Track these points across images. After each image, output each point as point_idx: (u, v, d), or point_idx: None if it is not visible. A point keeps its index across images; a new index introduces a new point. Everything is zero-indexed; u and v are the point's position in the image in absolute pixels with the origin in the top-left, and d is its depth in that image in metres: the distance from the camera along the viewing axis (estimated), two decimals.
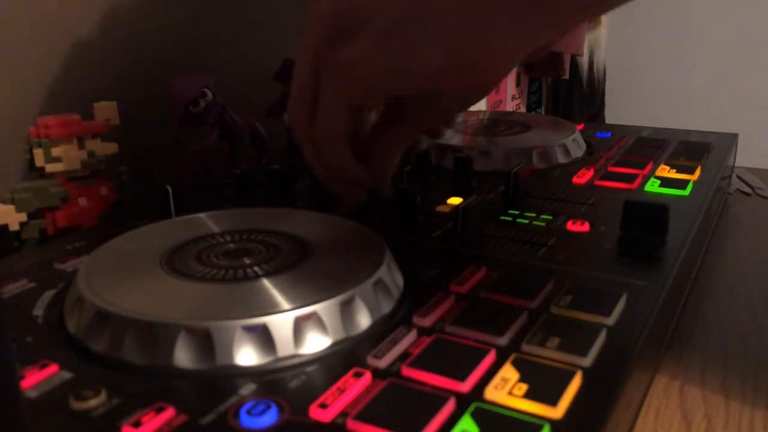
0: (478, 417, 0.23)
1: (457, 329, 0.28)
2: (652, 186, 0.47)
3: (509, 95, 1.51)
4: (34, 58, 0.49)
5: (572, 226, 0.40)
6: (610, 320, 0.29)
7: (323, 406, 0.24)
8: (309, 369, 0.26)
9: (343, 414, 0.23)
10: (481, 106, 1.34)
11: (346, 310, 0.28)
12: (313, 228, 0.36)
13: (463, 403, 0.24)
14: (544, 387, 0.24)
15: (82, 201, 0.44)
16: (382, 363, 0.26)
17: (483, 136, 0.57)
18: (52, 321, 0.30)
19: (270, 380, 0.26)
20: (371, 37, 0.31)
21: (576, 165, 0.52)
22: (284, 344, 0.27)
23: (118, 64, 0.54)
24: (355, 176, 0.37)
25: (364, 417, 0.23)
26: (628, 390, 0.27)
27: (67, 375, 0.26)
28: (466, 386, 0.25)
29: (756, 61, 1.78)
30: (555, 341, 0.27)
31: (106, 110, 0.46)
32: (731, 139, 0.60)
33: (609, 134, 0.61)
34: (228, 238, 0.35)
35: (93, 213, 0.45)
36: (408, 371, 0.26)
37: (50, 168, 0.44)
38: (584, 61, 1.66)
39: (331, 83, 0.33)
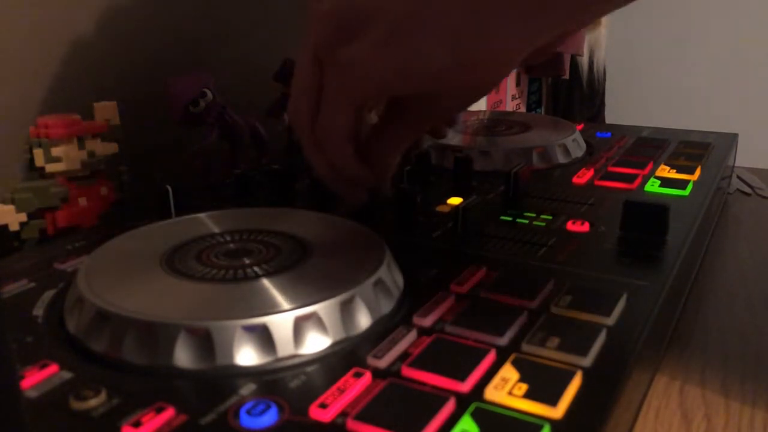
0: (478, 417, 0.23)
1: (457, 329, 0.28)
2: (652, 186, 0.47)
3: (509, 95, 1.51)
4: (34, 58, 0.49)
5: (572, 226, 0.40)
6: (610, 320, 0.29)
7: (323, 406, 0.24)
8: (309, 369, 0.26)
9: (343, 414, 0.23)
10: (481, 106, 1.34)
11: (346, 310, 0.28)
12: (313, 228, 0.36)
13: (463, 403, 0.24)
14: (544, 387, 0.24)
15: (82, 201, 0.44)
16: (382, 363, 0.26)
17: (483, 136, 0.57)
18: (52, 321, 0.30)
19: (270, 380, 0.26)
20: (373, 37, 0.31)
21: (576, 165, 0.52)
22: (284, 344, 0.27)
23: (118, 64, 0.54)
24: (357, 176, 0.37)
25: (364, 417, 0.23)
26: (628, 390, 0.27)
27: (67, 375, 0.26)
28: (466, 386, 0.25)
29: (756, 61, 1.78)
30: (555, 341, 0.27)
31: (106, 110, 0.46)
32: (731, 139, 0.60)
33: (609, 134, 0.61)
34: (228, 238, 0.35)
35: (93, 213, 0.45)
36: (408, 371, 0.26)
37: (50, 168, 0.44)
38: (584, 61, 1.66)
39: (333, 83, 0.33)
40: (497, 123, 0.61)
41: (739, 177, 0.63)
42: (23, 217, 0.42)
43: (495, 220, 0.41)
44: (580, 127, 0.61)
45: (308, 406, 0.24)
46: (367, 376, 0.25)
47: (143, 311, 0.27)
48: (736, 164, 0.63)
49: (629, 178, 0.48)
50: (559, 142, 0.53)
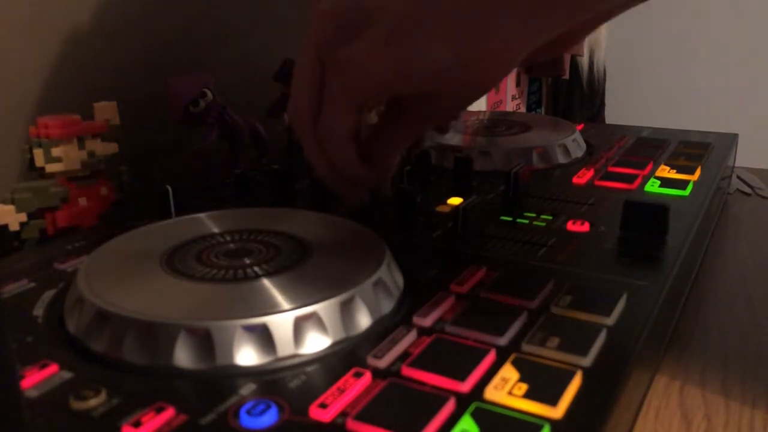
0: (478, 417, 0.23)
1: (457, 329, 0.28)
2: (652, 186, 0.47)
3: (509, 95, 1.51)
4: (34, 58, 0.49)
5: (572, 226, 0.40)
6: (610, 320, 0.29)
7: (323, 406, 0.24)
8: (309, 369, 0.26)
9: (343, 414, 0.23)
10: (481, 106, 1.34)
11: (346, 310, 0.28)
12: (313, 228, 0.36)
13: (463, 403, 0.24)
14: (544, 387, 0.24)
15: (82, 201, 0.44)
16: (382, 363, 0.26)
17: (483, 136, 0.57)
18: (52, 321, 0.30)
19: (270, 380, 0.26)
20: (373, 37, 0.31)
21: (576, 165, 0.52)
22: (284, 344, 0.27)
23: (119, 64, 0.54)
24: (358, 176, 0.37)
25: (364, 417, 0.23)
26: (628, 390, 0.27)
27: (67, 375, 0.26)
28: (466, 386, 0.25)
29: (756, 61, 1.78)
30: (555, 341, 0.27)
31: (106, 110, 0.46)
32: (731, 139, 0.60)
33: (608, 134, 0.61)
34: (228, 238, 0.35)
35: (93, 213, 0.45)
36: (408, 371, 0.26)
37: (50, 168, 0.44)
38: (584, 61, 1.66)
39: (334, 83, 0.33)
40: (497, 123, 0.61)
41: (739, 177, 0.63)
42: (23, 217, 0.42)
43: (495, 220, 0.41)
44: (580, 127, 0.62)
45: (308, 406, 0.24)
46: (367, 376, 0.25)
47: (143, 311, 0.27)
48: (736, 164, 0.63)
49: (629, 178, 0.48)
50: (559, 142, 0.53)
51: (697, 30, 1.82)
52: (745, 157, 0.65)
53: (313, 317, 0.27)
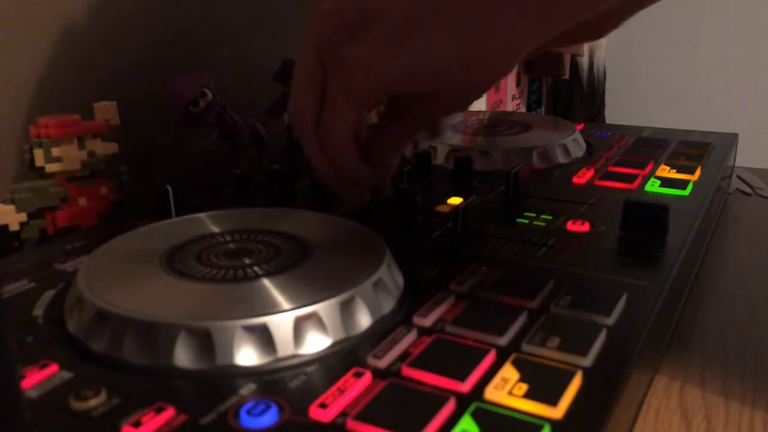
0: (478, 417, 0.23)
1: (457, 329, 0.28)
2: (652, 186, 0.47)
3: (509, 95, 1.51)
4: (34, 58, 0.49)
5: (572, 226, 0.40)
6: (610, 320, 0.29)
7: (323, 406, 0.24)
8: (309, 369, 0.26)
9: (343, 414, 0.23)
10: (481, 106, 1.34)
11: (346, 310, 0.28)
12: (313, 228, 0.36)
13: (463, 403, 0.24)
14: (544, 387, 0.24)
15: (82, 201, 0.44)
16: (382, 363, 0.26)
17: (483, 136, 0.57)
18: (52, 321, 0.30)
19: (270, 380, 0.26)
20: (374, 37, 0.31)
21: (576, 165, 0.52)
22: (284, 344, 0.27)
23: (118, 64, 0.54)
24: (359, 176, 0.37)
25: (364, 417, 0.23)
26: (628, 390, 0.27)
27: (67, 375, 0.26)
28: (466, 386, 0.25)
29: (756, 61, 1.78)
30: (555, 341, 0.27)
31: (106, 110, 0.46)
32: (731, 139, 0.60)
33: (609, 134, 0.61)
34: (228, 238, 0.35)
35: (93, 213, 0.45)
36: (408, 371, 0.26)
37: (50, 168, 0.44)
38: (584, 61, 1.66)
39: (335, 83, 0.33)
40: (497, 123, 0.61)
41: (739, 177, 0.63)
42: (23, 217, 0.42)
43: (495, 220, 0.41)
44: (580, 127, 0.62)
45: (308, 406, 0.24)
46: (367, 376, 0.25)
47: (143, 311, 0.27)
48: (736, 164, 0.63)
49: (629, 178, 0.48)
50: (559, 142, 0.53)
51: (697, 30, 1.82)
52: (745, 157, 0.65)
53: (313, 317, 0.27)
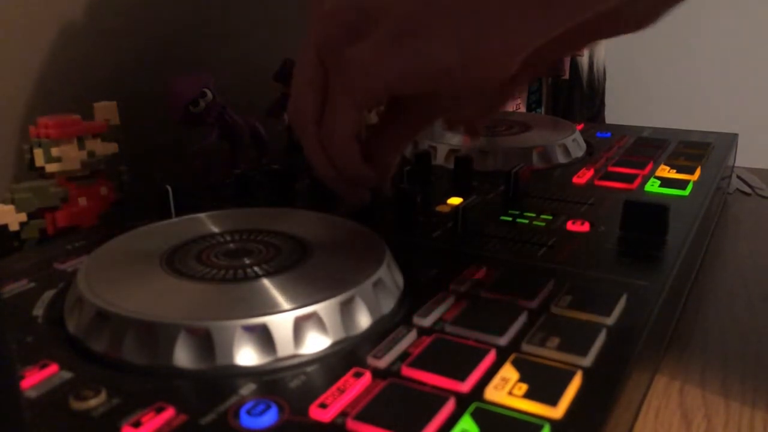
0: (478, 417, 0.23)
1: (457, 329, 0.28)
2: (652, 186, 0.47)
3: None
4: (34, 58, 0.49)
5: (572, 226, 0.40)
6: (610, 320, 0.29)
7: (323, 406, 0.24)
8: (309, 369, 0.26)
9: (343, 414, 0.23)
10: None
11: (346, 310, 0.28)
12: (313, 228, 0.36)
13: (463, 403, 0.24)
14: (544, 387, 0.24)
15: (82, 201, 0.44)
16: (382, 363, 0.26)
17: (483, 136, 0.57)
18: (52, 321, 0.30)
19: (270, 380, 0.26)
20: (377, 37, 0.31)
21: (576, 165, 0.52)
22: (284, 344, 0.27)
23: (118, 64, 0.54)
24: (360, 176, 0.37)
25: (364, 417, 0.23)
26: (628, 390, 0.27)
27: (67, 375, 0.26)
28: (466, 386, 0.25)
29: (756, 61, 1.78)
30: (555, 341, 0.27)
31: (106, 110, 0.46)
32: (731, 139, 0.60)
33: (609, 134, 0.61)
34: (228, 238, 0.35)
35: (93, 213, 0.45)
36: (408, 371, 0.26)
37: (50, 168, 0.44)
38: (584, 61, 1.66)
39: (337, 83, 0.33)
40: (497, 123, 0.61)
41: (739, 177, 0.63)
42: (23, 217, 0.42)
43: (495, 220, 0.41)
44: (580, 127, 0.62)
45: (308, 406, 0.24)
46: (367, 376, 0.25)
47: (143, 311, 0.27)
48: (736, 164, 0.63)
49: (629, 178, 0.48)
50: (559, 142, 0.53)
51: (697, 30, 1.81)
52: (745, 157, 0.65)
53: (313, 317, 0.27)
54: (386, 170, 0.39)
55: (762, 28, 1.76)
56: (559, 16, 0.29)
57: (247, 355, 0.26)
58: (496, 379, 0.25)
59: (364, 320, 0.29)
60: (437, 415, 0.23)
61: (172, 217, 0.40)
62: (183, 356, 0.26)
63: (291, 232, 0.35)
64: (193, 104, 0.49)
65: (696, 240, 0.40)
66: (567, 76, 1.57)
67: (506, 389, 0.24)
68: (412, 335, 0.28)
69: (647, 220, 0.38)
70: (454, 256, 0.36)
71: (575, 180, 0.48)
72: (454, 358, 0.26)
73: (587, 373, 0.25)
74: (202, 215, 0.38)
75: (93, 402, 0.24)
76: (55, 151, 0.43)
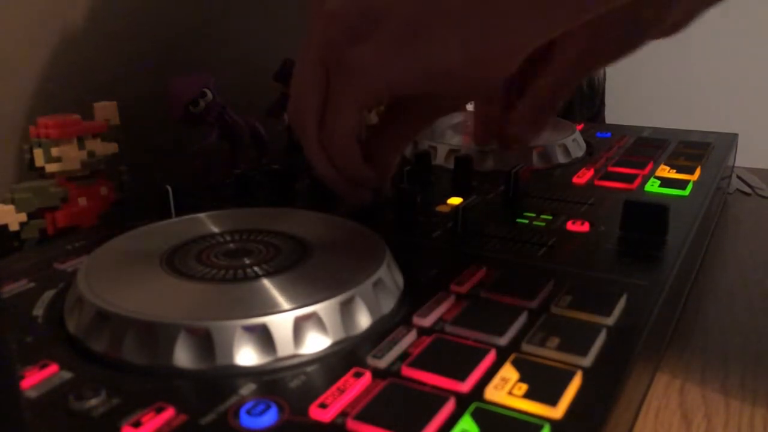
0: (478, 417, 0.23)
1: (457, 329, 0.28)
2: (652, 186, 0.47)
3: None
4: (33, 58, 0.49)
5: (572, 226, 0.40)
6: (610, 320, 0.29)
7: (323, 406, 0.24)
8: (309, 369, 0.26)
9: (343, 414, 0.23)
10: None
11: (346, 310, 0.28)
12: (313, 228, 0.36)
13: (463, 403, 0.24)
14: (544, 387, 0.24)
15: (82, 201, 0.44)
16: (382, 363, 0.26)
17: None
18: (52, 321, 0.30)
19: (270, 380, 0.26)
20: (379, 38, 0.31)
21: (576, 165, 0.52)
22: (284, 344, 0.27)
23: (118, 64, 0.54)
24: (361, 176, 0.37)
25: (364, 417, 0.23)
26: (628, 390, 0.27)
27: (67, 375, 0.26)
28: (466, 386, 0.25)
29: (756, 61, 1.78)
30: (555, 341, 0.27)
31: (106, 110, 0.46)
32: (731, 139, 0.60)
33: (609, 134, 0.61)
34: (228, 238, 0.35)
35: (93, 213, 0.45)
36: (408, 371, 0.26)
37: (50, 168, 0.44)
38: None
39: (339, 84, 0.33)
40: None
41: (739, 177, 0.63)
42: (23, 217, 0.42)
43: (495, 220, 0.41)
44: (580, 127, 0.61)
45: (308, 406, 0.24)
46: (367, 376, 0.25)
47: (143, 311, 0.27)
48: (736, 164, 0.63)
49: (629, 178, 0.48)
50: (559, 142, 0.53)
51: (697, 30, 1.81)
52: (745, 157, 0.65)
53: (313, 317, 0.27)
54: (386, 170, 0.39)
55: (762, 28, 1.76)
56: (560, 17, 0.30)
57: (247, 355, 0.26)
58: (496, 379, 0.25)
59: (364, 320, 0.29)
60: (437, 415, 0.23)
61: (172, 217, 0.40)
62: (183, 356, 0.26)
63: (291, 232, 0.35)
64: (193, 104, 0.49)
65: (696, 240, 0.40)
66: None
67: (506, 389, 0.24)
68: (412, 335, 0.28)
69: (647, 220, 0.38)
70: (454, 256, 0.36)
71: (575, 180, 0.48)
72: (454, 358, 0.26)
73: (587, 373, 0.25)
74: (202, 215, 0.38)
75: (93, 402, 0.24)
76: (55, 151, 0.43)
